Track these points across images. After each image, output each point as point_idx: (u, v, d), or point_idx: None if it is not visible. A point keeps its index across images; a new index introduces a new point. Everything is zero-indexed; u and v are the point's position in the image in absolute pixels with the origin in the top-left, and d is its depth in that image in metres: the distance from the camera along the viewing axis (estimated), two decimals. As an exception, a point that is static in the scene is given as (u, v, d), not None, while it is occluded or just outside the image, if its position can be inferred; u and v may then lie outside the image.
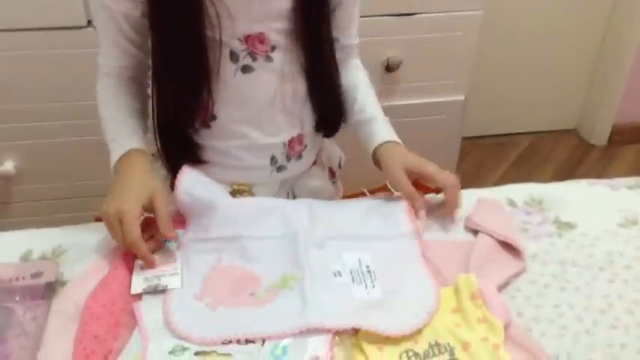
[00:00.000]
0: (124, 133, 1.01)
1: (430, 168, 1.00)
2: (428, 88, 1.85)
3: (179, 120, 1.02)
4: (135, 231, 0.88)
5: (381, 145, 1.05)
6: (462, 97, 1.89)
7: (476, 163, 2.58)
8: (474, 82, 1.99)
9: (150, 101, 1.07)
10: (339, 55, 1.09)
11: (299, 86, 1.05)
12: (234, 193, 1.09)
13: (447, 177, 1.00)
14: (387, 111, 1.46)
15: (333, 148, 1.25)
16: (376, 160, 1.06)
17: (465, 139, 2.50)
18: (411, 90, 1.83)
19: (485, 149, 2.65)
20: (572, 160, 2.61)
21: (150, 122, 1.06)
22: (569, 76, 2.64)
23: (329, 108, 1.11)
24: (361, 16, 1.65)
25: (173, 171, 1.05)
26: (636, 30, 2.45)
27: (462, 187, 1.02)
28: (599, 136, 2.69)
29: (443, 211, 1.02)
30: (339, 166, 1.25)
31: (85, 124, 1.70)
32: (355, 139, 1.12)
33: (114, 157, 0.99)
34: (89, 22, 1.57)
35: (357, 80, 1.13)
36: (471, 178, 2.47)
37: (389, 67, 1.75)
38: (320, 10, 1.01)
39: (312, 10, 1.00)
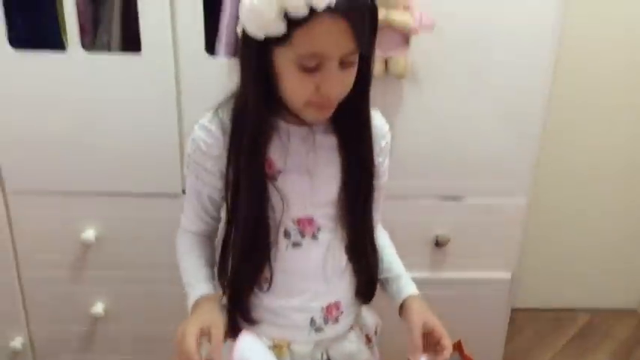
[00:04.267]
0: (199, 280, 1.21)
1: (441, 328, 1.17)
2: (475, 265, 1.94)
3: (240, 283, 1.21)
4: (190, 342, 1.02)
5: (408, 297, 1.23)
6: (509, 276, 1.96)
7: (532, 336, 2.60)
8: (531, 254, 2.01)
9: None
10: None
11: (340, 260, 1.24)
12: (274, 348, 1.23)
13: (449, 341, 1.15)
14: (435, 283, 1.56)
15: (369, 314, 1.36)
16: (401, 310, 1.23)
17: (521, 310, 2.56)
18: (459, 265, 1.93)
19: (542, 323, 2.68)
20: (631, 340, 2.59)
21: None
22: (629, 256, 2.70)
23: (366, 280, 1.27)
24: (412, 196, 1.83)
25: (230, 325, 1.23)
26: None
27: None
28: (661, 318, 2.68)
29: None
30: (375, 333, 1.36)
31: (166, 277, 1.92)
32: (392, 306, 1.27)
33: (190, 300, 1.18)
34: (184, 192, 1.83)
35: (382, 242, 1.32)
36: (525, 352, 2.48)
37: (438, 243, 1.90)
38: (365, 199, 1.20)
39: (357, 199, 1.19)
